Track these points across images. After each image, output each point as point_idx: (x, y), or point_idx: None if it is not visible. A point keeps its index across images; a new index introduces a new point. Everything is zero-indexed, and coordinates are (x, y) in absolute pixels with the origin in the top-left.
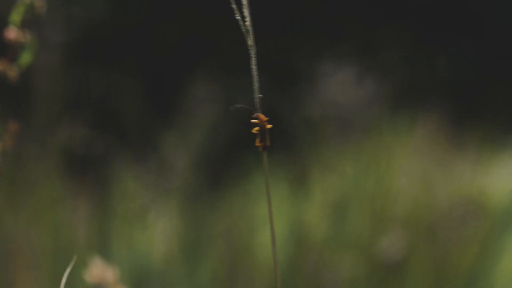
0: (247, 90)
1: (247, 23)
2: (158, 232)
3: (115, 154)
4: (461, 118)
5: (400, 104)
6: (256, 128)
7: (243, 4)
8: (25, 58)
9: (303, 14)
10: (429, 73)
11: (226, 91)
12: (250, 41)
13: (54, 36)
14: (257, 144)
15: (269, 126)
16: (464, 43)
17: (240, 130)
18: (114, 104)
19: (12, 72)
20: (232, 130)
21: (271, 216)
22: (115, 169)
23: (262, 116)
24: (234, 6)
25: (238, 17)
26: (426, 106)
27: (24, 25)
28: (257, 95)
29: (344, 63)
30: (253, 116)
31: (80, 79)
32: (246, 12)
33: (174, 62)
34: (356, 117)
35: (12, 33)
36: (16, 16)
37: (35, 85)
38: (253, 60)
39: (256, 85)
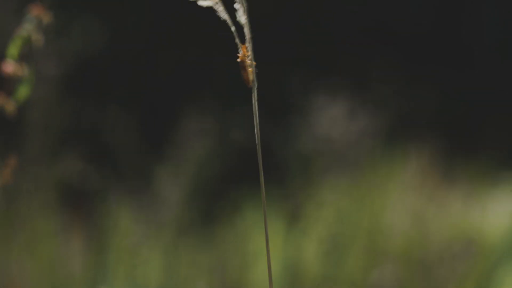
0: (240, 123)
1: (250, 58)
2: (152, 267)
3: (109, 187)
4: (453, 152)
5: (392, 138)
6: (241, 59)
7: (246, 38)
8: (23, 92)
9: (296, 47)
10: (421, 107)
11: (220, 123)
12: (252, 76)
13: (49, 68)
14: (245, 78)
15: (253, 62)
16: (456, 76)
17: (233, 164)
18: (108, 137)
19: (10, 106)
20: (225, 163)
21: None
22: (109, 203)
23: (244, 49)
24: (237, 41)
25: (240, 53)
26: (419, 140)
27: (22, 58)
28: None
29: (337, 97)
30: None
31: (74, 112)
32: (249, 47)
33: (167, 94)
34: (349, 151)
35: (10, 66)
36: (13, 49)
37: (30, 118)
38: (254, 95)
39: (256, 120)
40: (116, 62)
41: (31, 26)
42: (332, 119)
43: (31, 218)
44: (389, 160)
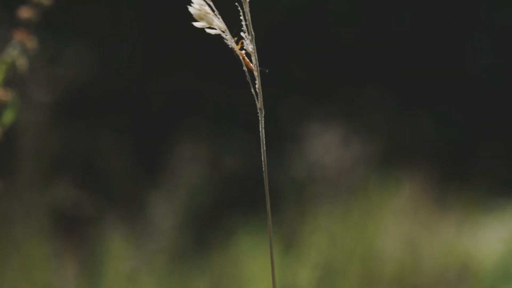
0: (233, 150)
1: (257, 85)
2: None
3: (102, 213)
4: (446, 179)
5: (386, 164)
6: (238, 50)
7: (254, 65)
8: (8, 116)
9: (290, 74)
10: (414, 133)
11: (212, 150)
12: (260, 104)
13: (41, 95)
14: (249, 66)
15: (251, 51)
16: (448, 102)
17: (226, 190)
18: (101, 163)
19: None
20: (218, 189)
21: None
22: (102, 229)
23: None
24: (245, 68)
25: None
26: (412, 167)
27: (6, 83)
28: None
29: (330, 124)
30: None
31: (67, 138)
32: (256, 74)
33: (160, 121)
34: (343, 178)
35: None
36: None
37: (22, 144)
38: (262, 123)
39: (263, 147)
40: (109, 88)
41: (15, 52)
42: (326, 146)
43: (25, 243)
44: (382, 186)
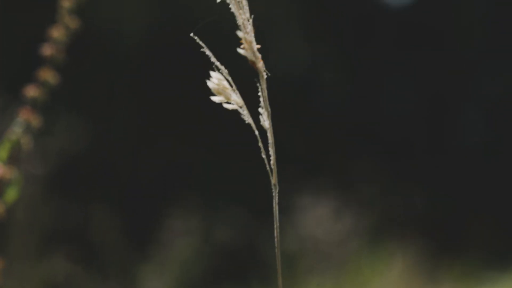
0: (224, 222)
1: (272, 161)
2: None
3: (94, 286)
4: (438, 252)
5: (378, 237)
6: (244, 47)
7: (269, 143)
8: (11, 194)
9: (281, 147)
10: (406, 206)
11: (204, 223)
12: (274, 180)
13: (33, 168)
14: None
15: (258, 46)
16: (440, 175)
17: (217, 263)
18: (93, 236)
19: None
20: (210, 263)
21: None
22: None
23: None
24: (260, 145)
25: (264, 156)
26: (404, 240)
27: (10, 161)
28: (278, 233)
29: (322, 197)
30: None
31: (59, 211)
32: (271, 151)
33: (152, 193)
34: (334, 251)
35: None
36: (2, 152)
37: (14, 218)
38: (275, 199)
39: (277, 223)
40: (101, 160)
41: (20, 130)
42: (317, 219)
43: None
44: (374, 259)
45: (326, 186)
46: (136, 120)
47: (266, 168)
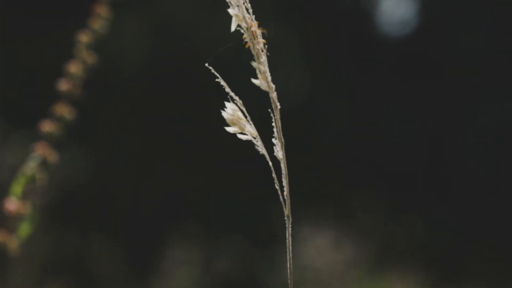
0: (225, 252)
1: (286, 193)
2: None
3: None
4: (439, 282)
5: (378, 268)
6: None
7: (282, 174)
8: (25, 229)
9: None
10: (406, 236)
11: (204, 253)
12: (287, 211)
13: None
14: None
15: (260, 29)
16: (441, 205)
17: None
18: (93, 266)
19: (12, 244)
20: None
21: None
22: None
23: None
24: (274, 175)
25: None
26: (404, 271)
27: (25, 196)
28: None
29: (322, 227)
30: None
31: (59, 240)
32: (285, 182)
33: (152, 223)
34: (335, 281)
35: (13, 204)
36: (17, 187)
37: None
38: (289, 230)
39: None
40: (101, 191)
41: (35, 165)
42: (317, 249)
43: None
44: None
45: (326, 216)
46: (136, 150)
47: (266, 198)
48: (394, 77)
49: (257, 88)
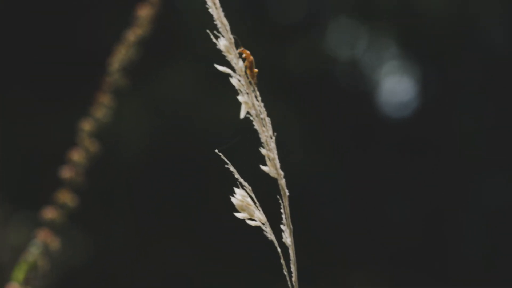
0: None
1: (294, 278)
2: None
3: None
4: None
5: None
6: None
7: (290, 260)
8: None
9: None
10: None
11: None
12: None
13: (34, 279)
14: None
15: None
16: (438, 286)
17: None
18: None
19: None
20: None
21: None
22: None
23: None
24: (282, 261)
25: (285, 272)
26: None
27: (26, 282)
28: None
29: None
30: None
31: None
32: (293, 268)
33: None
34: None
35: None
36: (19, 273)
37: None
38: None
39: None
40: (100, 272)
41: (37, 252)
42: None
43: None
44: None
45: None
46: (135, 230)
47: (268, 282)
48: (394, 158)
49: (262, 171)
